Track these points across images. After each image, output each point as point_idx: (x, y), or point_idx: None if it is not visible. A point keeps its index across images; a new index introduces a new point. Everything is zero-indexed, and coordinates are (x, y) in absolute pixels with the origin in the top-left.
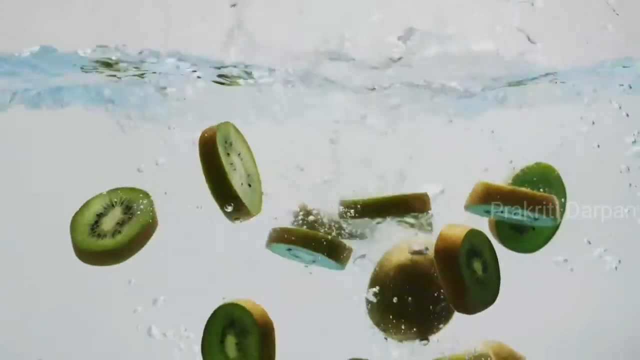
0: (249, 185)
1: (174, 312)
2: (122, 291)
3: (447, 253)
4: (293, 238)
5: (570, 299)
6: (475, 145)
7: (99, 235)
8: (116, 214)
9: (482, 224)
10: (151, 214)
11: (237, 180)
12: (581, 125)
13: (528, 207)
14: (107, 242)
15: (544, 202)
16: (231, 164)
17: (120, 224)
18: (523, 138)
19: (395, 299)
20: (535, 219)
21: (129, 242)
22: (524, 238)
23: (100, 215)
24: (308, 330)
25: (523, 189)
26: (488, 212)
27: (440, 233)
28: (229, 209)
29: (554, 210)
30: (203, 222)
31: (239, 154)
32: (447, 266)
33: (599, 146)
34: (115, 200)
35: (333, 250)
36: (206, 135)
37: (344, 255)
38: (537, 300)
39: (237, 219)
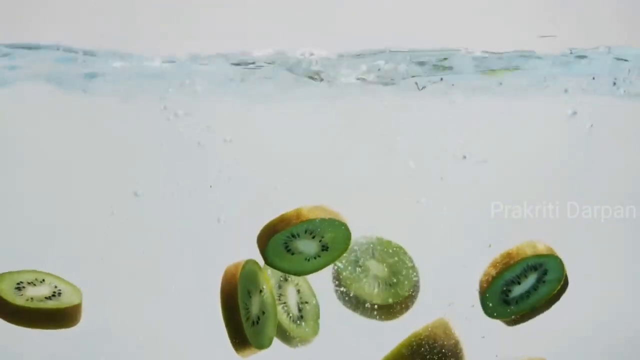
0: (259, 319)
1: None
2: (119, 291)
3: None
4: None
5: (572, 299)
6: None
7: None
8: (41, 289)
9: None
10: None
11: (248, 324)
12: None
13: (534, 259)
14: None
15: (547, 256)
16: (247, 309)
17: (47, 297)
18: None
19: None
20: (545, 271)
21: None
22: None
23: (26, 283)
24: None
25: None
26: (505, 289)
27: None
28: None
29: (559, 260)
30: None
31: (260, 291)
32: None
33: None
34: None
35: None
36: (228, 283)
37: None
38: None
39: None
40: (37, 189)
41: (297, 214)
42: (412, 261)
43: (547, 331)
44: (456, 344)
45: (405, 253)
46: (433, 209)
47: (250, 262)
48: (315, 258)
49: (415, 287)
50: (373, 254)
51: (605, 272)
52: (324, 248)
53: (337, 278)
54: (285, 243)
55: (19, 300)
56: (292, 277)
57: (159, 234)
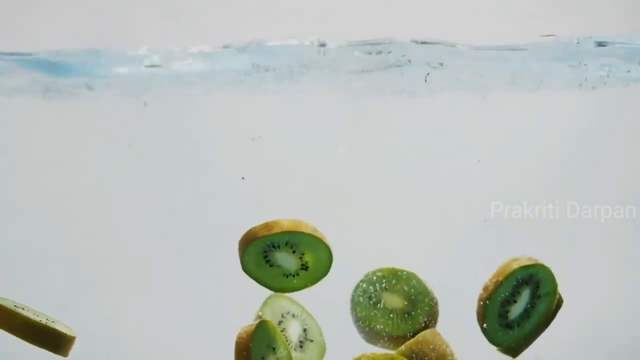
0: None
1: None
2: (119, 291)
3: None
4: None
5: (571, 299)
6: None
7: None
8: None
9: None
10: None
11: None
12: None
13: (522, 270)
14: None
15: (535, 265)
16: None
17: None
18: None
19: None
20: (537, 285)
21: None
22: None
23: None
24: None
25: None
26: (502, 310)
27: None
28: None
29: (547, 270)
30: None
31: (273, 349)
32: None
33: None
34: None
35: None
36: (241, 356)
37: None
38: None
39: None
40: (38, 189)
41: (280, 224)
42: (428, 288)
43: (547, 332)
44: (445, 355)
45: (420, 281)
46: (432, 209)
47: (259, 327)
48: (293, 276)
49: (435, 310)
50: (387, 287)
51: (605, 273)
52: (304, 267)
53: (359, 319)
54: (265, 252)
55: (14, 310)
56: (298, 313)
57: (158, 237)
